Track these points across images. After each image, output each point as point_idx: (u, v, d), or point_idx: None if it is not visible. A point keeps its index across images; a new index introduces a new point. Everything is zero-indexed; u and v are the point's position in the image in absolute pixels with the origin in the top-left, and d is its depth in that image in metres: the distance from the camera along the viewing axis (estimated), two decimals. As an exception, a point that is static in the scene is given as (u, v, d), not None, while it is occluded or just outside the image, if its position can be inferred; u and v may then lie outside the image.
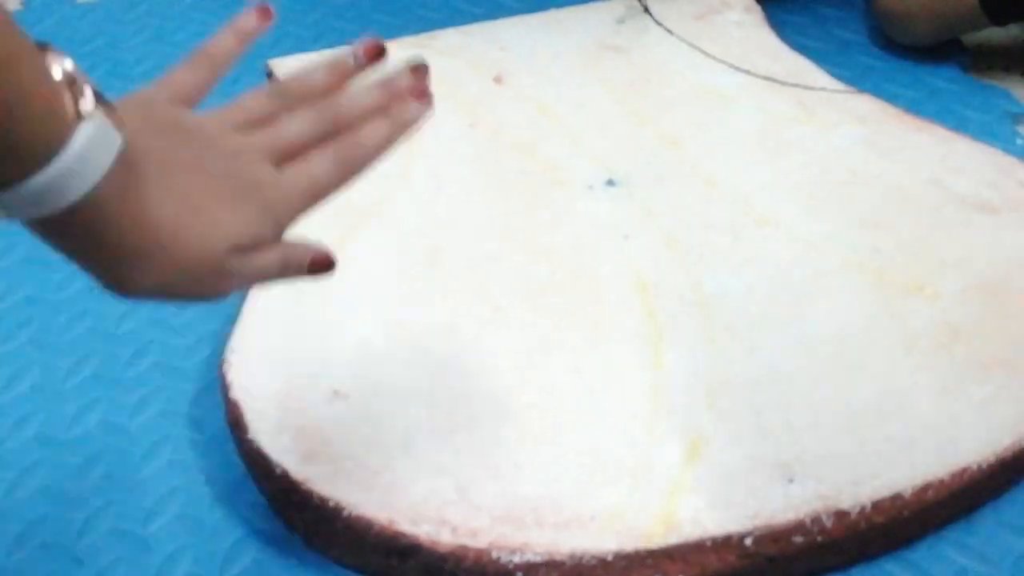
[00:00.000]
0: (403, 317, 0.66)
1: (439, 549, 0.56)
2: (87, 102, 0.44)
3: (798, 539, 0.57)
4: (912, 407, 0.62)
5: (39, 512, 0.60)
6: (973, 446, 0.60)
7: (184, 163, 0.48)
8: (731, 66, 0.82)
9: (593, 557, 0.56)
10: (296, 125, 0.52)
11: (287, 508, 0.59)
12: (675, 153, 0.76)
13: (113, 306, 0.68)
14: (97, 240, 0.44)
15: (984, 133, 0.81)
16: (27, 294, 0.71)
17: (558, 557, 0.56)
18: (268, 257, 0.50)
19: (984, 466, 0.60)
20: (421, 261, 0.69)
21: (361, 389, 0.62)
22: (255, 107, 0.53)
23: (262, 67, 0.83)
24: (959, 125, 0.82)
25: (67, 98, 0.44)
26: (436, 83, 0.80)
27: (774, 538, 0.57)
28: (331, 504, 0.57)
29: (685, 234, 0.71)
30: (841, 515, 0.58)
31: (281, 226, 0.51)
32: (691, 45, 0.84)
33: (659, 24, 0.85)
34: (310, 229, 0.69)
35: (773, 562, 0.57)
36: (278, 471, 0.59)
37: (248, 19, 0.56)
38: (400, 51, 0.82)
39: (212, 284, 0.48)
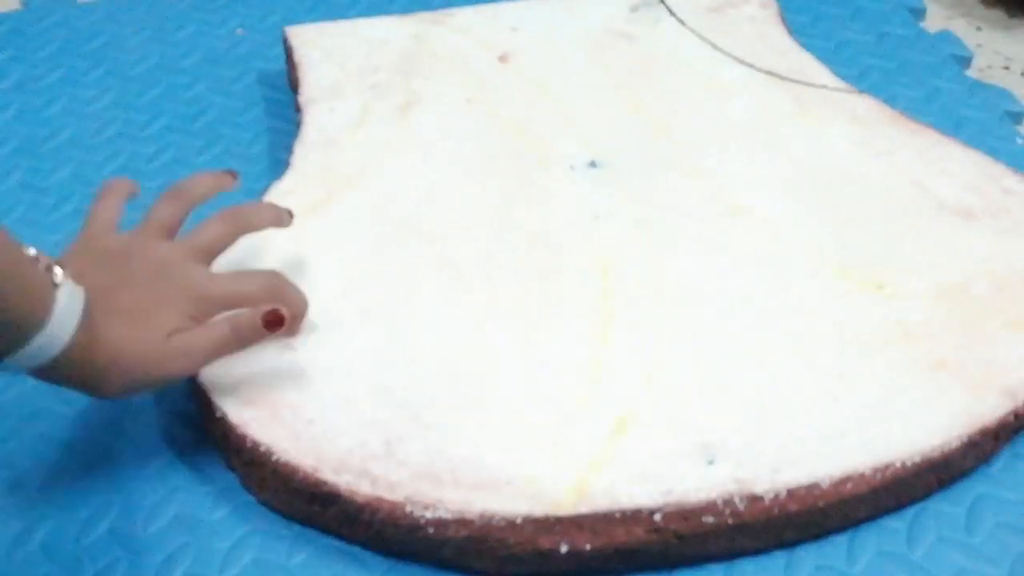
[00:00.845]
0: (364, 278, 0.68)
1: (356, 499, 0.58)
2: (57, 274, 0.53)
3: (709, 519, 0.58)
4: (847, 401, 0.62)
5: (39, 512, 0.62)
6: (901, 444, 0.61)
7: (122, 282, 0.59)
8: (736, 59, 0.83)
9: (502, 519, 0.58)
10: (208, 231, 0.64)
11: (226, 450, 0.62)
12: (663, 140, 0.77)
13: None
14: (72, 370, 0.55)
15: (984, 133, 0.81)
16: None
17: (468, 516, 0.58)
18: (216, 331, 0.60)
19: (909, 464, 0.60)
20: (393, 228, 0.71)
21: (312, 343, 0.65)
22: (164, 215, 0.64)
23: (279, 33, 0.86)
24: (959, 125, 0.82)
25: (43, 273, 0.53)
26: (443, 59, 0.83)
27: (684, 516, 0.58)
28: (262, 448, 0.60)
29: (656, 219, 0.72)
30: (755, 499, 0.59)
31: (210, 304, 0.61)
32: (700, 36, 0.85)
33: (672, 13, 0.86)
34: (295, 193, 0.73)
35: (683, 540, 0.58)
36: (218, 413, 0.61)
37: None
38: (416, 26, 0.86)
39: (169, 368, 0.58)
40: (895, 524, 0.61)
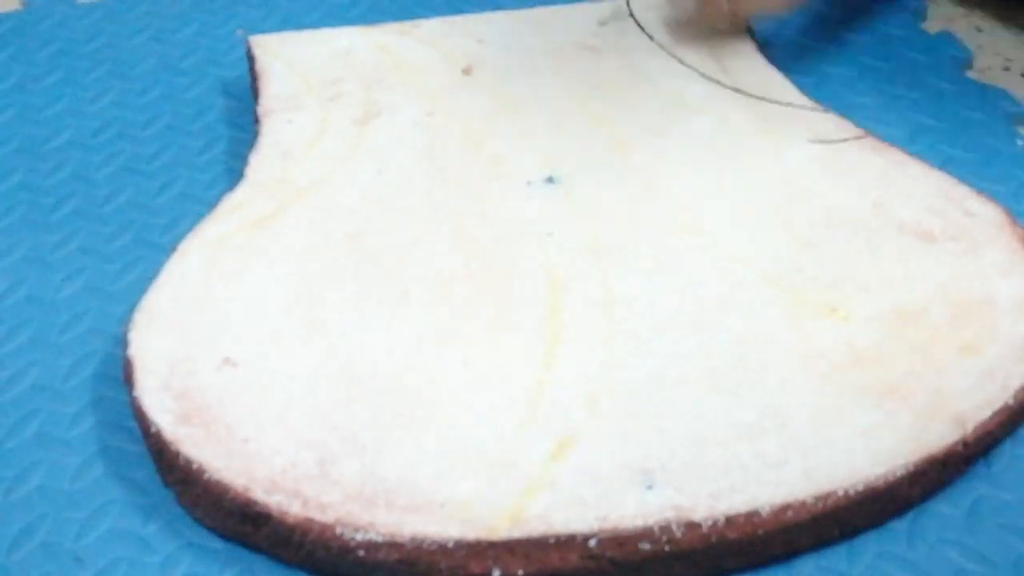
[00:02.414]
0: (309, 294, 0.67)
1: (287, 520, 0.58)
2: None
3: (645, 546, 0.57)
4: (792, 427, 0.61)
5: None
6: (844, 472, 0.60)
7: None
8: (702, 75, 0.82)
9: (433, 543, 0.57)
10: None
11: (161, 467, 0.62)
12: (622, 156, 0.76)
13: (113, 307, 0.70)
14: None
15: (984, 133, 0.80)
16: (27, 293, 0.72)
17: (399, 539, 0.57)
18: None
19: (852, 493, 0.59)
20: (341, 241, 0.70)
21: (252, 359, 0.64)
22: None
23: (242, 42, 0.85)
24: (958, 126, 0.81)
25: None
26: (407, 71, 0.83)
27: (620, 542, 0.57)
28: (194, 466, 0.59)
29: (609, 236, 0.71)
30: (692, 526, 0.58)
31: None
32: (667, 51, 0.84)
33: (640, 28, 0.85)
34: (246, 204, 0.72)
35: (618, 566, 0.58)
36: (152, 429, 0.61)
37: None
38: (382, 37, 0.85)
39: None
40: (896, 525, 0.61)
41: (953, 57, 0.88)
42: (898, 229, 0.71)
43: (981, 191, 0.74)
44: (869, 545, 0.60)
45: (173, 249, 0.69)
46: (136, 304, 0.67)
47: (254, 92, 0.82)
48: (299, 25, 0.90)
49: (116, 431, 0.65)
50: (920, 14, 0.92)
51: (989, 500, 0.62)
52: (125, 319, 0.66)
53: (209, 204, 0.73)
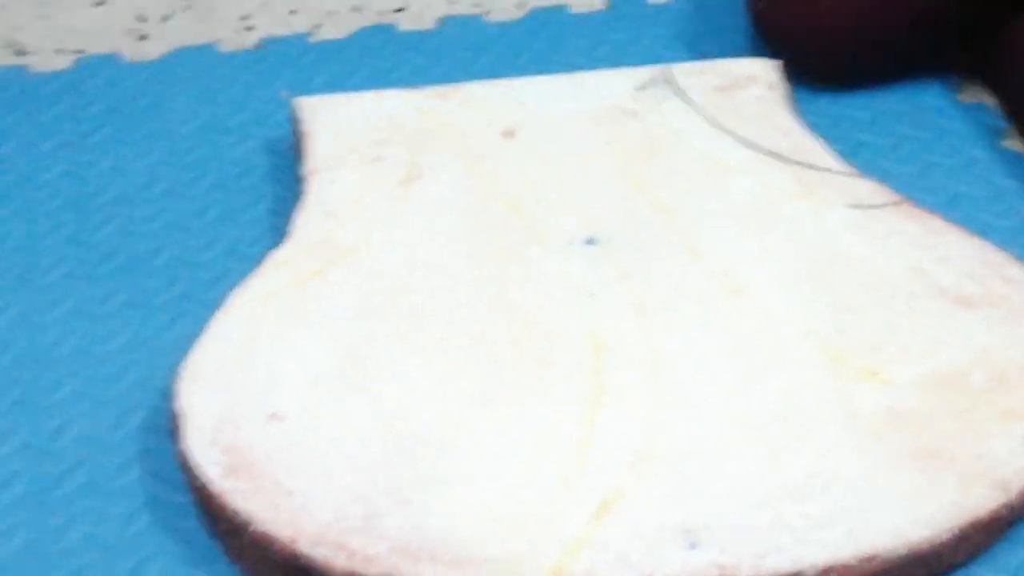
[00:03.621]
0: (353, 352, 0.68)
1: (333, 572, 0.58)
2: None
3: (689, 605, 0.57)
4: (835, 489, 0.62)
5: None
6: (887, 536, 0.60)
7: None
8: (739, 139, 0.83)
9: (478, 599, 0.57)
10: None
11: (207, 519, 0.62)
12: (664, 219, 0.77)
13: (159, 360, 0.72)
14: None
15: (1020, 201, 0.81)
16: (75, 345, 0.73)
17: (444, 594, 0.57)
18: None
19: (895, 556, 0.59)
20: (384, 303, 0.71)
21: (298, 415, 0.64)
22: None
23: (286, 103, 0.87)
24: (995, 194, 0.82)
25: None
26: (448, 133, 0.84)
27: (664, 601, 0.57)
28: (240, 518, 0.60)
29: (653, 299, 0.72)
30: (736, 586, 0.58)
31: None
32: (705, 116, 0.85)
33: (678, 93, 0.86)
34: (287, 259, 0.73)
35: (662, 625, 0.58)
36: (199, 482, 0.61)
37: None
38: (424, 100, 0.86)
39: None
40: None
41: (988, 126, 0.88)
42: (938, 294, 0.72)
43: (1019, 258, 0.74)
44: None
45: (219, 305, 0.70)
46: (182, 358, 0.67)
47: (297, 153, 0.83)
48: (342, 87, 0.92)
49: (162, 482, 0.65)
50: (955, 85, 0.93)
51: (1035, 567, 0.62)
52: (171, 372, 0.67)
53: (254, 261, 0.74)
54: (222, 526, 0.61)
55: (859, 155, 0.85)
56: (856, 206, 0.78)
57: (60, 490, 0.65)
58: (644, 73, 0.88)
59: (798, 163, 0.81)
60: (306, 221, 0.76)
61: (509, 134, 0.83)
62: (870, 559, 0.59)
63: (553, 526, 0.60)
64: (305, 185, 0.79)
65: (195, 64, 0.95)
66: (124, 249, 0.79)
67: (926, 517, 0.60)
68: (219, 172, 0.85)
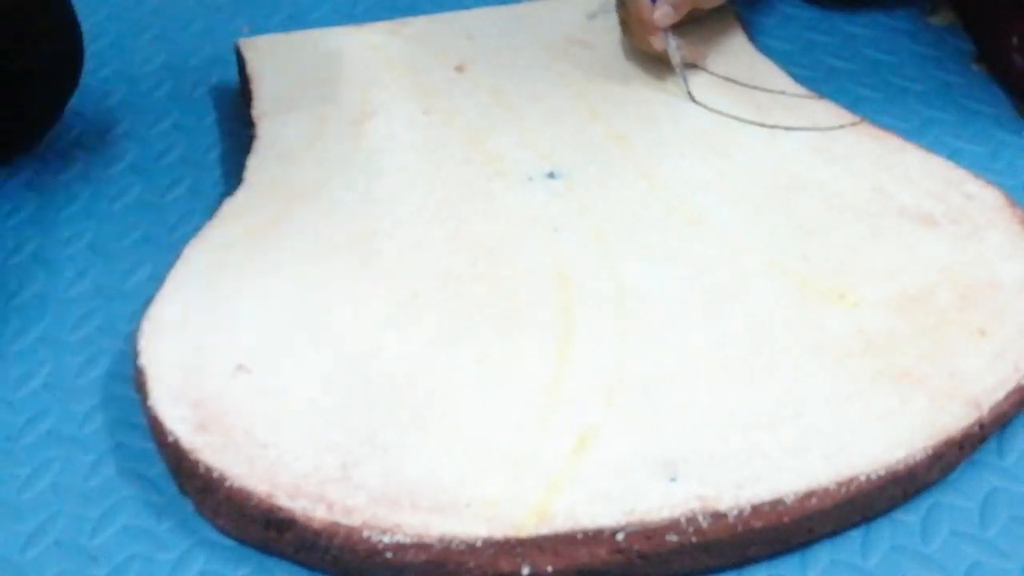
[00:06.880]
0: (317, 297, 0.67)
1: (313, 525, 0.57)
2: None
3: (672, 538, 0.57)
4: (809, 414, 0.62)
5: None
6: (865, 457, 0.60)
7: None
8: (694, 65, 0.82)
9: (462, 542, 0.56)
10: None
11: (179, 475, 0.61)
12: (621, 149, 0.76)
13: (122, 305, 0.70)
14: None
15: (991, 125, 0.81)
16: (36, 292, 0.72)
17: (427, 540, 0.56)
18: None
19: (873, 477, 0.59)
20: (345, 244, 0.70)
21: (265, 365, 0.63)
22: None
23: (232, 47, 0.85)
24: (966, 118, 0.81)
25: None
26: (399, 69, 0.82)
27: (647, 535, 0.57)
28: (215, 474, 0.59)
29: (615, 230, 0.71)
30: (718, 516, 0.58)
31: None
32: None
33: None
34: (245, 205, 0.72)
35: (646, 559, 0.58)
36: (170, 439, 0.60)
37: None
38: (371, 36, 0.85)
39: None
40: (908, 518, 0.61)
41: (959, 49, 0.87)
42: (899, 214, 0.72)
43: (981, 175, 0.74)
44: (883, 538, 0.60)
45: (177, 255, 0.69)
46: (145, 304, 0.66)
47: (246, 96, 0.81)
48: (305, 22, 0.90)
49: (128, 429, 0.64)
50: (927, 8, 0.92)
51: (1002, 493, 0.62)
52: (134, 318, 0.66)
53: (215, 203, 0.72)
54: (195, 482, 0.60)
55: (830, 81, 0.84)
56: (814, 128, 0.77)
57: (25, 439, 0.64)
58: (593, 2, 0.87)
59: (754, 87, 0.80)
60: (259, 165, 0.75)
61: (461, 68, 0.82)
62: (848, 482, 0.59)
63: (532, 465, 0.59)
64: (256, 129, 0.77)
65: (154, 1, 0.93)
66: (84, 193, 0.77)
67: (901, 437, 0.61)
68: (180, 113, 0.83)
